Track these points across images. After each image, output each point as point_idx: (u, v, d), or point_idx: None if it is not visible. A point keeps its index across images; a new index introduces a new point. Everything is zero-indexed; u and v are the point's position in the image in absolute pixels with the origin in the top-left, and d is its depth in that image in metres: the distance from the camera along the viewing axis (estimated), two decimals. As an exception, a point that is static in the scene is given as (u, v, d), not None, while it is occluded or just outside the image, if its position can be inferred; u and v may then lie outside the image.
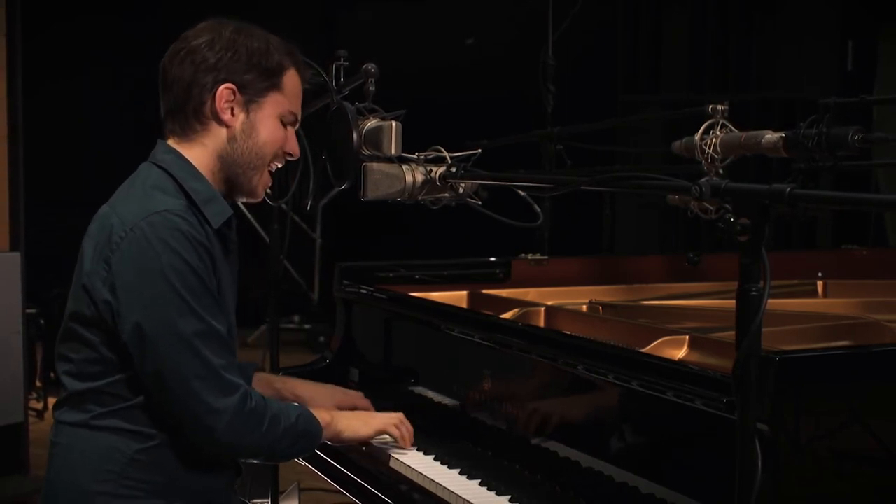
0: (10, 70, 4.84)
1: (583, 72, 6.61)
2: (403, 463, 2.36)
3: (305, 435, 2.22)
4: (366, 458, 2.48)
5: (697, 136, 2.35)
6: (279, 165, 2.31)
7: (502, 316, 2.69)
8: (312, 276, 7.98)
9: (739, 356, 1.52)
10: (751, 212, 1.52)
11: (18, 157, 4.89)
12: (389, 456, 2.40)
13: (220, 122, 2.20)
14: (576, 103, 4.60)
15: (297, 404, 2.30)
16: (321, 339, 7.55)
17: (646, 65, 7.52)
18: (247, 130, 2.22)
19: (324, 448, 2.50)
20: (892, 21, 6.47)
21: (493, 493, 2.16)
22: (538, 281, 3.21)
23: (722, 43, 7.26)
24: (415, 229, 5.70)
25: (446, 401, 2.62)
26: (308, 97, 2.36)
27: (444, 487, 2.19)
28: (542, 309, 2.74)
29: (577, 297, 3.04)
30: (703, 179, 1.62)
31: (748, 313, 1.52)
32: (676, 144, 2.45)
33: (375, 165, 2.36)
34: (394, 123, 2.37)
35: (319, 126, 2.53)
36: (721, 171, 2.33)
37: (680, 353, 2.24)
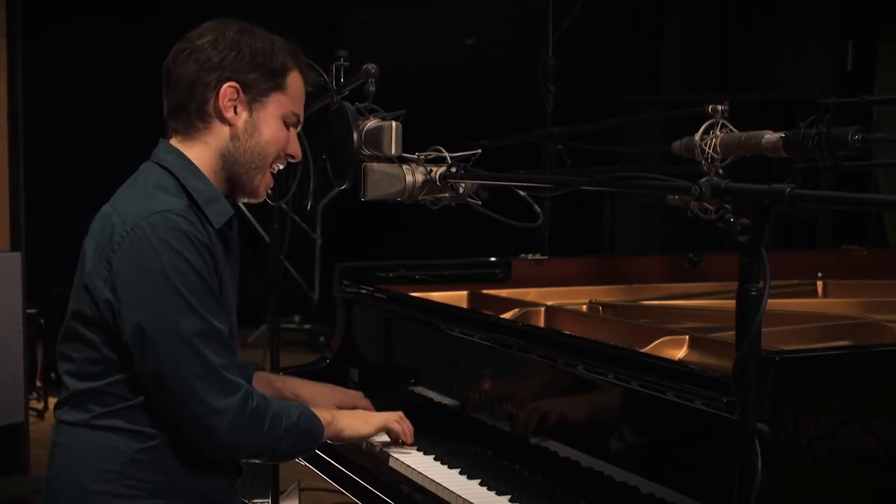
0: (11, 70, 4.85)
1: (583, 72, 6.60)
2: (403, 463, 2.36)
3: (307, 434, 2.22)
4: (366, 458, 2.49)
5: (697, 136, 2.35)
6: (280, 167, 2.31)
7: (502, 316, 2.69)
8: (313, 276, 7.97)
9: (739, 356, 1.52)
10: (751, 212, 1.52)
11: (18, 157, 4.89)
12: (389, 456, 2.41)
13: (223, 120, 2.20)
14: (576, 103, 4.60)
15: (297, 403, 2.30)
16: (321, 339, 7.55)
17: (646, 65, 7.52)
18: (249, 130, 2.22)
19: (324, 448, 2.51)
20: (892, 21, 6.47)
21: (493, 493, 2.16)
22: (538, 281, 3.21)
23: (722, 43, 7.26)
24: (415, 229, 5.70)
25: (446, 401, 2.62)
26: (308, 98, 2.36)
27: (445, 487, 2.20)
28: (542, 309, 2.74)
29: (577, 297, 3.05)
30: (703, 179, 1.62)
31: (748, 313, 1.52)
32: (676, 144, 2.45)
33: (375, 165, 2.36)
34: (394, 123, 2.38)
35: (319, 126, 2.53)
36: (721, 171, 2.33)
37: (680, 353, 2.25)
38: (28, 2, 4.95)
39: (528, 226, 2.70)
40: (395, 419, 2.42)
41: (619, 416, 2.08)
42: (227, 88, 2.18)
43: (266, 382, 2.53)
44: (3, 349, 4.74)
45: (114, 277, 2.06)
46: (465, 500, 2.13)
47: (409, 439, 2.42)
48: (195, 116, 2.20)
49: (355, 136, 2.37)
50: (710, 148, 2.32)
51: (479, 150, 2.41)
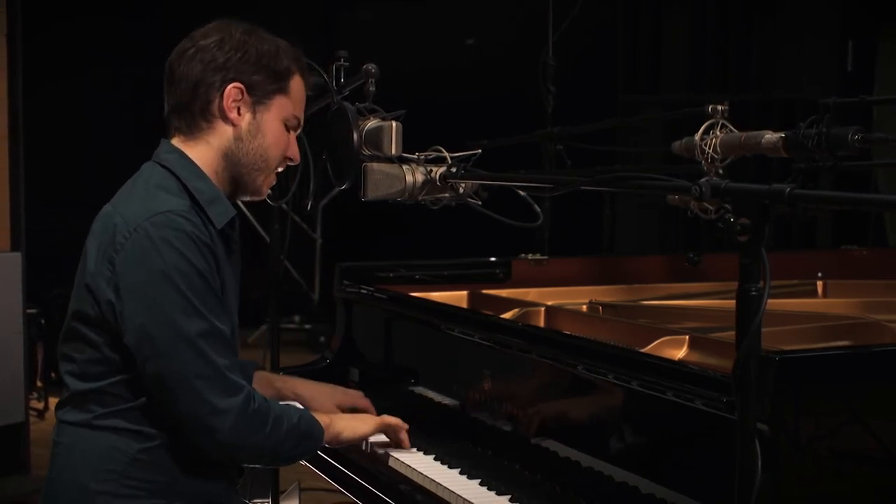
0: (11, 70, 4.85)
1: (583, 72, 6.60)
2: (403, 463, 2.36)
3: (308, 436, 2.22)
4: (366, 458, 2.49)
5: (697, 137, 2.35)
6: (280, 170, 2.31)
7: (502, 316, 2.69)
8: (313, 276, 7.97)
9: (739, 356, 1.52)
10: (751, 212, 1.52)
11: (18, 157, 4.89)
12: (389, 456, 2.41)
13: (227, 120, 2.20)
14: (576, 103, 4.60)
15: (297, 405, 2.30)
16: (321, 339, 7.55)
17: (646, 65, 7.52)
18: (252, 131, 2.22)
19: (324, 448, 2.50)
20: (892, 21, 6.47)
21: (493, 493, 2.16)
22: (538, 281, 3.22)
23: (722, 43, 7.26)
24: (415, 229, 5.70)
25: (446, 401, 2.62)
26: (308, 99, 2.37)
27: (445, 487, 2.20)
28: (542, 309, 2.74)
29: (577, 297, 3.05)
30: (703, 179, 1.62)
31: (748, 313, 1.52)
32: (676, 145, 2.45)
33: (375, 165, 2.36)
34: (394, 123, 2.38)
35: (320, 126, 2.54)
36: (721, 171, 2.33)
37: (680, 353, 2.25)
38: (28, 2, 4.95)
39: (528, 226, 2.70)
40: (392, 418, 2.43)
41: (619, 416, 2.08)
42: (232, 89, 2.18)
43: (266, 382, 2.53)
44: (3, 349, 4.74)
45: (116, 278, 2.06)
46: (465, 499, 2.13)
47: (407, 444, 2.42)
48: (198, 116, 2.20)
49: (355, 136, 2.37)
50: (710, 148, 2.32)
51: (479, 150, 2.41)
